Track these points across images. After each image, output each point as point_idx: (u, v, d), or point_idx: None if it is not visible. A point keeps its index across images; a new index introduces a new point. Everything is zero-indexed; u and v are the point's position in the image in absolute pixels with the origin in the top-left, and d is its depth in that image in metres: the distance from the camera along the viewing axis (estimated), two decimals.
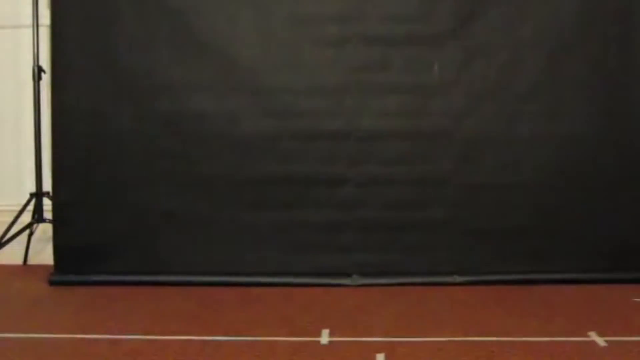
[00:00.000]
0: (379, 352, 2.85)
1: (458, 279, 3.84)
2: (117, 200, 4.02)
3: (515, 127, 3.93)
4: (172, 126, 3.99)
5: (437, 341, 2.99)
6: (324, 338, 3.03)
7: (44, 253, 4.38)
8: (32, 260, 4.42)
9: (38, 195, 4.27)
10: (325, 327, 3.13)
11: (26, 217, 4.28)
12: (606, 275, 3.85)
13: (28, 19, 4.26)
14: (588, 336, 3.02)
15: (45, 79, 4.25)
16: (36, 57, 4.24)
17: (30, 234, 4.35)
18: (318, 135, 3.96)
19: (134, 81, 3.99)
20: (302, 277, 3.87)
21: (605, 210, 3.93)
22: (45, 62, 4.25)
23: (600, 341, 2.95)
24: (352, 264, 3.93)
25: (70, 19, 3.99)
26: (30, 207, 4.28)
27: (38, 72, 4.24)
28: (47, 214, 4.26)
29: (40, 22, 4.24)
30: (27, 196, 4.29)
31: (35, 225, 4.31)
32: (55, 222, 4.11)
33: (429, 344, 2.96)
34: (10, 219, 4.26)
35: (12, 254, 4.34)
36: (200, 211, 3.99)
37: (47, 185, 4.24)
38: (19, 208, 4.27)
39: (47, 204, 4.27)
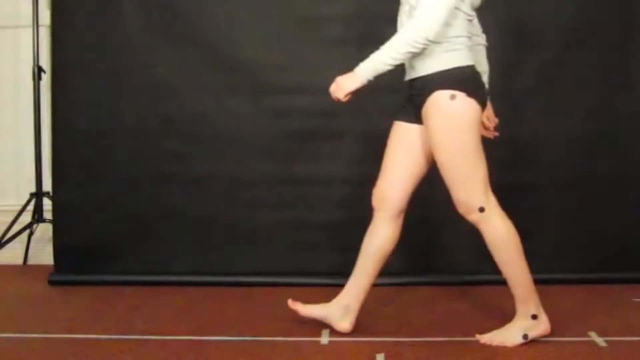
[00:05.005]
0: (379, 352, 2.85)
1: (458, 279, 3.84)
2: (117, 200, 4.02)
3: (516, 127, 3.93)
4: (172, 126, 4.00)
5: (437, 341, 2.99)
6: (324, 338, 3.04)
7: (44, 253, 4.39)
8: (32, 260, 4.42)
9: (38, 195, 4.28)
10: (325, 327, 3.13)
11: (26, 217, 4.29)
12: (606, 275, 3.85)
13: (28, 19, 4.26)
14: (588, 336, 3.02)
15: (45, 79, 4.25)
16: (36, 57, 4.24)
17: (30, 234, 4.36)
18: (318, 135, 3.96)
19: (134, 81, 3.99)
20: (301, 277, 3.87)
21: (605, 210, 3.93)
22: (45, 62, 4.25)
23: (600, 341, 2.95)
24: (352, 264, 3.93)
25: (70, 19, 3.99)
26: (30, 207, 4.28)
27: (38, 72, 4.25)
28: (47, 214, 4.27)
29: (40, 22, 4.24)
30: (27, 196, 4.29)
31: (35, 225, 4.32)
32: (55, 222, 4.11)
33: (429, 344, 2.96)
34: (10, 219, 4.26)
35: (12, 254, 4.34)
36: (200, 211, 4.00)
37: (47, 185, 4.24)
38: (19, 208, 4.28)
39: (47, 204, 4.27)
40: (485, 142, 3.93)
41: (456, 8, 2.79)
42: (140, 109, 4.01)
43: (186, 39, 3.96)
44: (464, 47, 2.85)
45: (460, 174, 2.87)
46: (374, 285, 3.50)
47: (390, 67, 2.81)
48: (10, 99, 4.53)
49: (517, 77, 3.93)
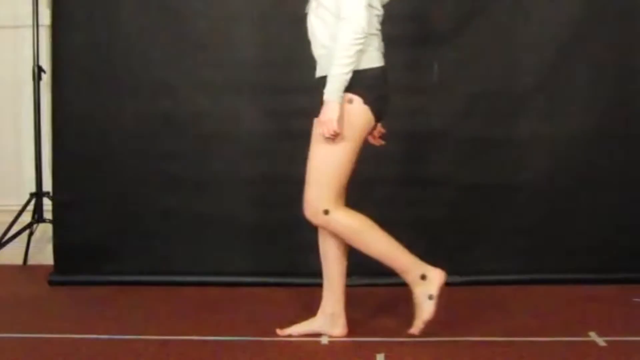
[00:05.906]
0: (379, 352, 2.85)
1: (458, 279, 3.83)
2: (116, 200, 4.02)
3: (515, 127, 3.93)
4: (172, 126, 3.99)
5: (437, 341, 2.99)
6: (324, 338, 3.04)
7: (44, 253, 4.39)
8: (32, 260, 4.42)
9: (38, 195, 4.28)
10: None
11: (26, 217, 4.28)
12: (606, 276, 3.85)
13: (28, 19, 4.25)
14: (588, 336, 3.02)
15: (45, 78, 4.25)
16: (36, 57, 4.24)
17: (30, 234, 4.35)
18: None
19: (134, 81, 3.99)
20: (302, 277, 3.86)
21: (605, 210, 3.93)
22: (45, 62, 4.25)
23: (600, 341, 2.95)
24: (352, 264, 3.92)
25: (71, 19, 3.99)
26: (30, 207, 4.28)
27: (38, 72, 4.24)
28: (47, 214, 4.27)
29: (40, 22, 4.24)
30: (27, 196, 4.29)
31: (35, 225, 4.31)
32: (55, 222, 4.11)
33: (429, 344, 2.96)
34: (10, 219, 4.26)
35: (12, 254, 4.34)
36: (200, 211, 3.99)
37: (47, 185, 4.24)
38: (19, 208, 4.28)
39: (47, 204, 4.27)
40: (485, 142, 3.95)
41: (367, 4, 2.82)
42: (140, 108, 4.00)
43: (186, 39, 3.96)
44: (372, 48, 2.89)
45: (321, 174, 2.91)
46: (369, 285, 3.50)
47: (350, 74, 2.82)
48: (10, 99, 4.52)
49: (517, 77, 3.93)
